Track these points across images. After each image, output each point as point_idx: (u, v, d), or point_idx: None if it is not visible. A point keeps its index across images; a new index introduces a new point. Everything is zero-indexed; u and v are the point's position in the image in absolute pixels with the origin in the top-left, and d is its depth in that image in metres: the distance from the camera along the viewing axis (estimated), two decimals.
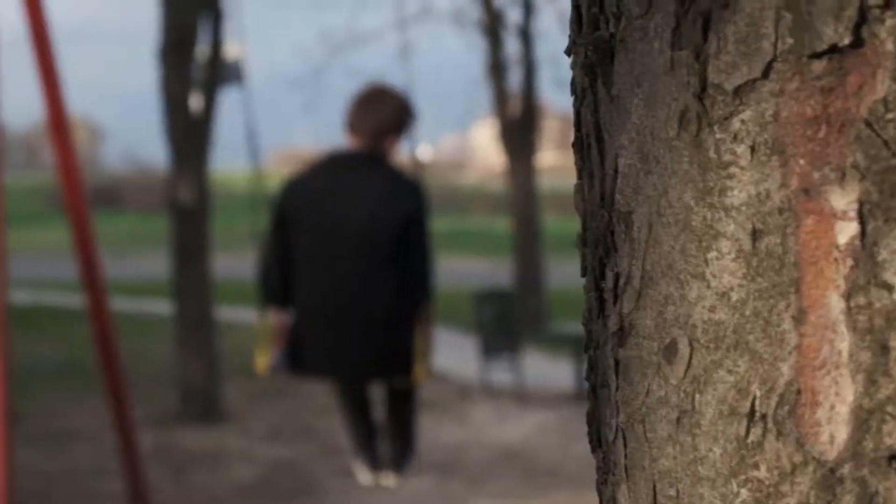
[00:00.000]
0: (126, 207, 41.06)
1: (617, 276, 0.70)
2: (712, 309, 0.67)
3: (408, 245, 4.91)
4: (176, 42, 9.33)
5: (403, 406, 5.43)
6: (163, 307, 17.10)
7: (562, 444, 8.71)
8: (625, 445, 0.70)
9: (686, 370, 0.67)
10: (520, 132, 14.76)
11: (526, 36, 14.69)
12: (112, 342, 6.12)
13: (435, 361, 5.35)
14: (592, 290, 0.73)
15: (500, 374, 11.00)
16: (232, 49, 10.05)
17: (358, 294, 4.90)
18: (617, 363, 0.70)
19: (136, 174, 47.19)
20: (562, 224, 36.27)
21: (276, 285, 5.05)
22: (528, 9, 14.80)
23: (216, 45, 9.60)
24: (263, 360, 5.18)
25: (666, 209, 0.67)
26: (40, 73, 5.67)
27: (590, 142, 0.72)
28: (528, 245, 14.88)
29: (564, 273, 24.81)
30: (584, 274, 0.75)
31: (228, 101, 9.99)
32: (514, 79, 14.93)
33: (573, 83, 0.75)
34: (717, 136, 0.68)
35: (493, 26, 14.56)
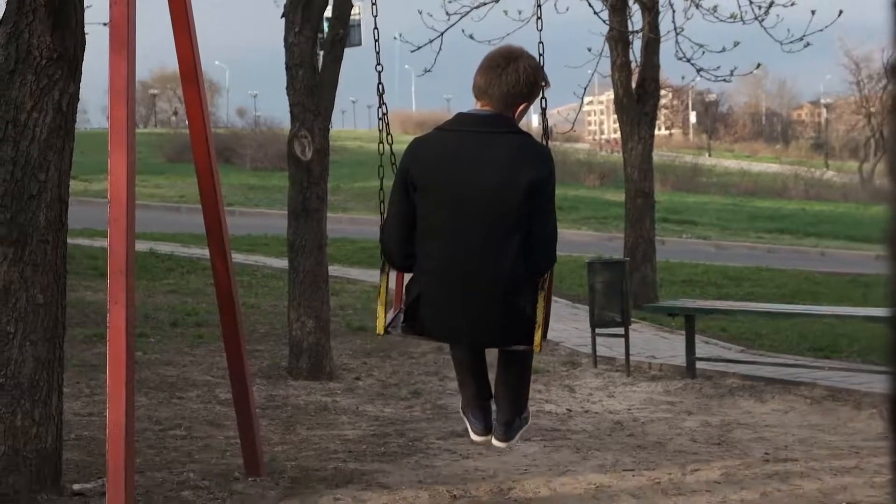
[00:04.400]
0: (239, 163, 41.50)
1: None
2: None
3: (534, 212, 4.81)
4: None
5: (519, 372, 5.38)
6: (273, 263, 17.31)
7: (669, 417, 8.66)
8: None
9: None
10: (638, 104, 14.68)
11: (650, 8, 14.54)
12: (233, 296, 6.20)
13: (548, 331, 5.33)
14: None
15: (610, 345, 10.97)
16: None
17: (482, 260, 4.84)
18: None
19: (250, 130, 47.71)
20: (667, 197, 35.99)
21: (398, 248, 4.99)
22: None
23: (344, 2, 9.62)
24: (382, 320, 5.13)
25: None
26: (176, 26, 5.73)
27: None
28: (641, 217, 14.78)
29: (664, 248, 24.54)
30: None
31: (347, 61, 10.01)
32: (633, 50, 14.84)
33: None
34: None
35: None
